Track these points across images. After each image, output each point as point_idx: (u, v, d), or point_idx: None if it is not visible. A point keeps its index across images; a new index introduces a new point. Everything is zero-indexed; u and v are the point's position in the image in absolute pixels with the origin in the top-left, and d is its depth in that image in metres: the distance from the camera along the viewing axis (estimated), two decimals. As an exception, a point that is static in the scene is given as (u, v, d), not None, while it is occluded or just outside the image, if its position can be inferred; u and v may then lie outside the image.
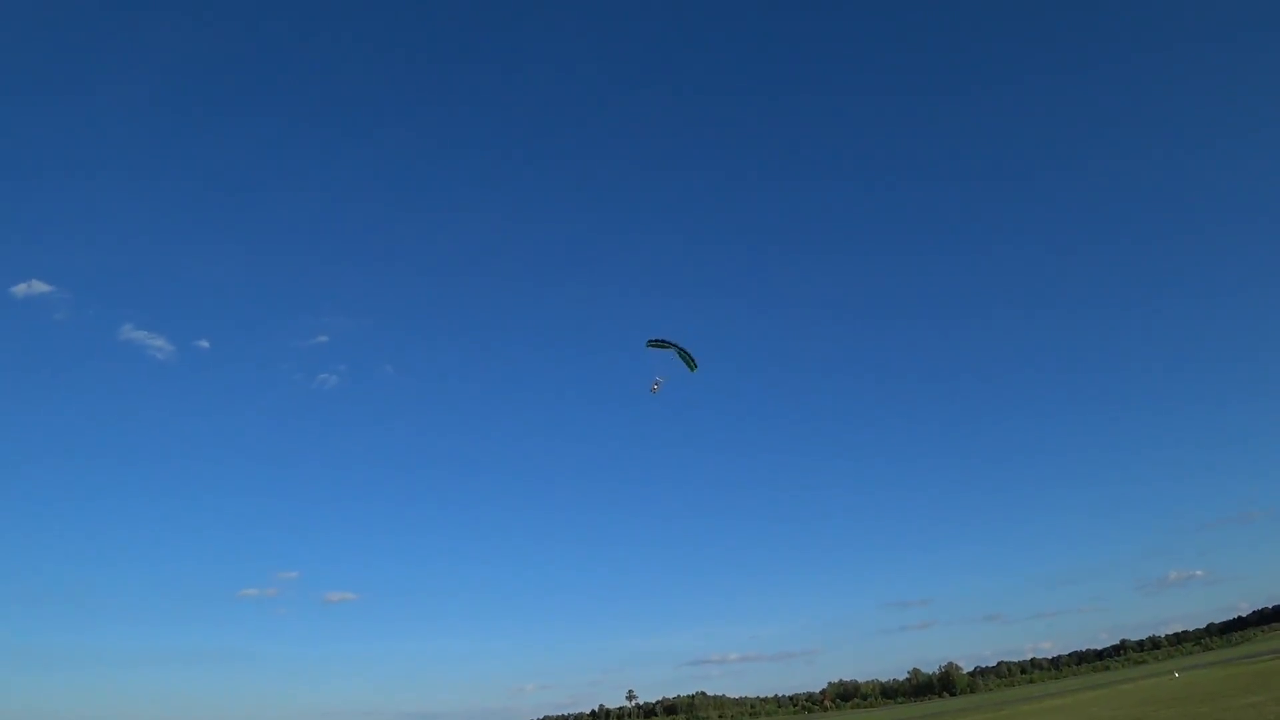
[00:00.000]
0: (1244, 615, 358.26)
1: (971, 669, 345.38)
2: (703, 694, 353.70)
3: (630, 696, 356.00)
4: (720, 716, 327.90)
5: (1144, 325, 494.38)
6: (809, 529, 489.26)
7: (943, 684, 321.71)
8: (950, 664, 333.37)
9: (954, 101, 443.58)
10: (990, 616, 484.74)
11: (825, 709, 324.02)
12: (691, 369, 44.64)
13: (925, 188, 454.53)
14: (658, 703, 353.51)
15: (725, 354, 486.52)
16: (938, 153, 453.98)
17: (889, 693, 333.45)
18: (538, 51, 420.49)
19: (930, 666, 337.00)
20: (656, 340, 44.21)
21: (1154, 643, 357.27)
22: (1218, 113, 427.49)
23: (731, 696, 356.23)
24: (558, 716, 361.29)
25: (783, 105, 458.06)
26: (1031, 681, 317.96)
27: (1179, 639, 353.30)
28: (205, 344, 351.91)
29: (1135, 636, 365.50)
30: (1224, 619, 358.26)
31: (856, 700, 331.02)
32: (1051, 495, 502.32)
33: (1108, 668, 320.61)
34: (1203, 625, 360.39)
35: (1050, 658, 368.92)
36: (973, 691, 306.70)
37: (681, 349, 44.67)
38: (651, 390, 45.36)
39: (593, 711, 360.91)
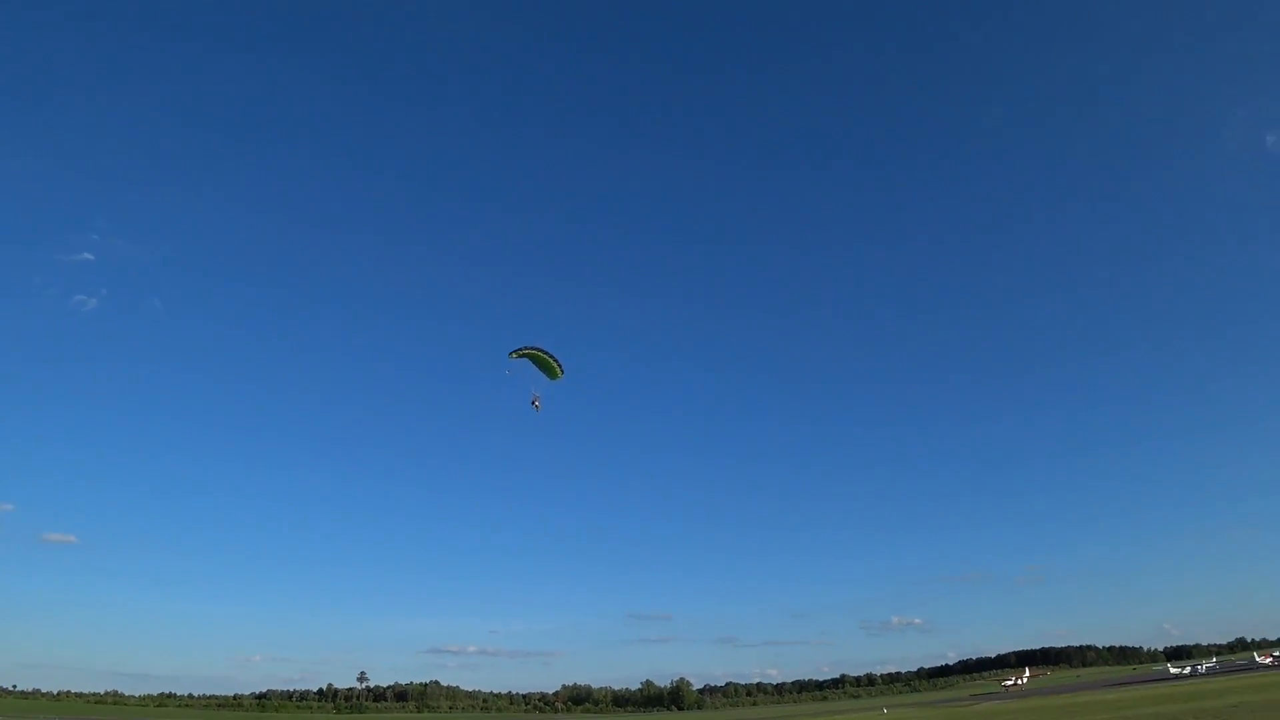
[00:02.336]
0: (950, 664, 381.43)
1: (701, 686, 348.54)
2: (436, 683, 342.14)
3: (362, 678, 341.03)
4: (451, 707, 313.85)
5: (894, 396, 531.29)
6: (560, 533, 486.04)
7: (672, 698, 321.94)
8: (682, 679, 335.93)
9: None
10: (725, 639, 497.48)
11: (557, 710, 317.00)
12: (553, 376, 39.75)
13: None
14: (389, 687, 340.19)
15: (495, 352, 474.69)
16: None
17: (620, 701, 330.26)
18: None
19: (663, 680, 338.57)
20: (518, 351, 39.12)
21: (870, 680, 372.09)
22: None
23: (465, 689, 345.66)
24: (283, 691, 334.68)
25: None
26: (755, 704, 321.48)
27: (892, 679, 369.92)
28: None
29: (855, 672, 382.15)
30: (933, 665, 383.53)
31: (588, 705, 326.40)
32: (793, 533, 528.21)
33: (826, 698, 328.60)
34: (914, 668, 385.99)
35: (776, 684, 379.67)
36: (699, 708, 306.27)
37: (539, 353, 39.29)
38: (534, 407, 41.20)
39: (320, 690, 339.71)
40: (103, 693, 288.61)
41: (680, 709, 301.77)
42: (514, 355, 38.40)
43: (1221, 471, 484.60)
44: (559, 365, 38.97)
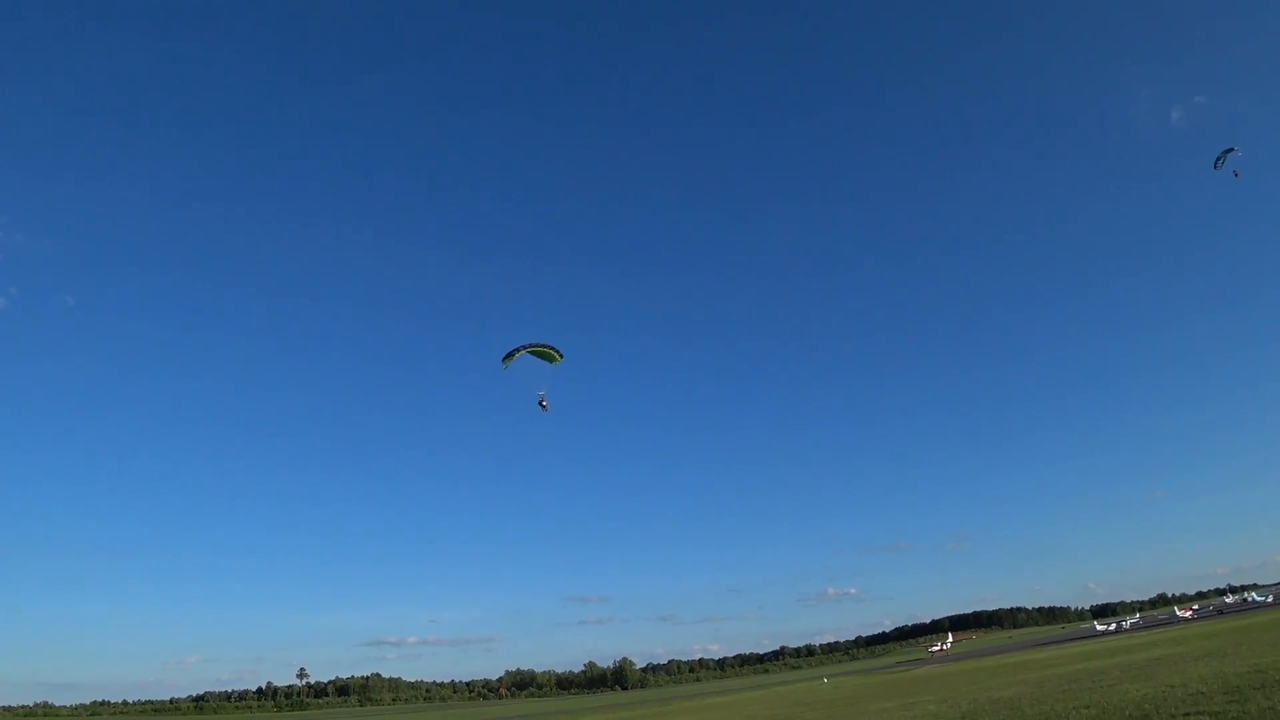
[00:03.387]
0: (887, 631, 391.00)
1: (644, 665, 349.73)
2: (378, 676, 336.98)
3: (301, 675, 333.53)
4: (394, 699, 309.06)
5: (841, 361, 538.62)
6: (494, 517, 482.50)
7: (616, 678, 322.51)
8: (624, 659, 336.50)
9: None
10: (664, 617, 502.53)
11: (501, 697, 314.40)
12: (554, 361, 37.33)
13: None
14: (330, 683, 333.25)
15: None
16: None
17: (564, 684, 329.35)
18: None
19: (605, 660, 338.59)
20: (509, 355, 36.77)
21: (809, 650, 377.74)
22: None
23: (408, 680, 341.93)
24: (220, 693, 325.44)
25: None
26: (699, 680, 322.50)
27: (831, 648, 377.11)
28: None
29: (794, 644, 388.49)
30: (870, 633, 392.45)
31: (532, 689, 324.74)
32: (727, 511, 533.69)
33: (767, 670, 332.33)
34: (852, 637, 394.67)
35: (717, 659, 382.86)
36: (643, 686, 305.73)
37: (534, 346, 36.95)
38: (541, 408, 38.76)
39: (260, 689, 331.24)
40: (32, 704, 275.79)
41: (624, 688, 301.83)
42: (507, 361, 36.31)
43: (1139, 437, 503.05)
44: (556, 350, 36.74)
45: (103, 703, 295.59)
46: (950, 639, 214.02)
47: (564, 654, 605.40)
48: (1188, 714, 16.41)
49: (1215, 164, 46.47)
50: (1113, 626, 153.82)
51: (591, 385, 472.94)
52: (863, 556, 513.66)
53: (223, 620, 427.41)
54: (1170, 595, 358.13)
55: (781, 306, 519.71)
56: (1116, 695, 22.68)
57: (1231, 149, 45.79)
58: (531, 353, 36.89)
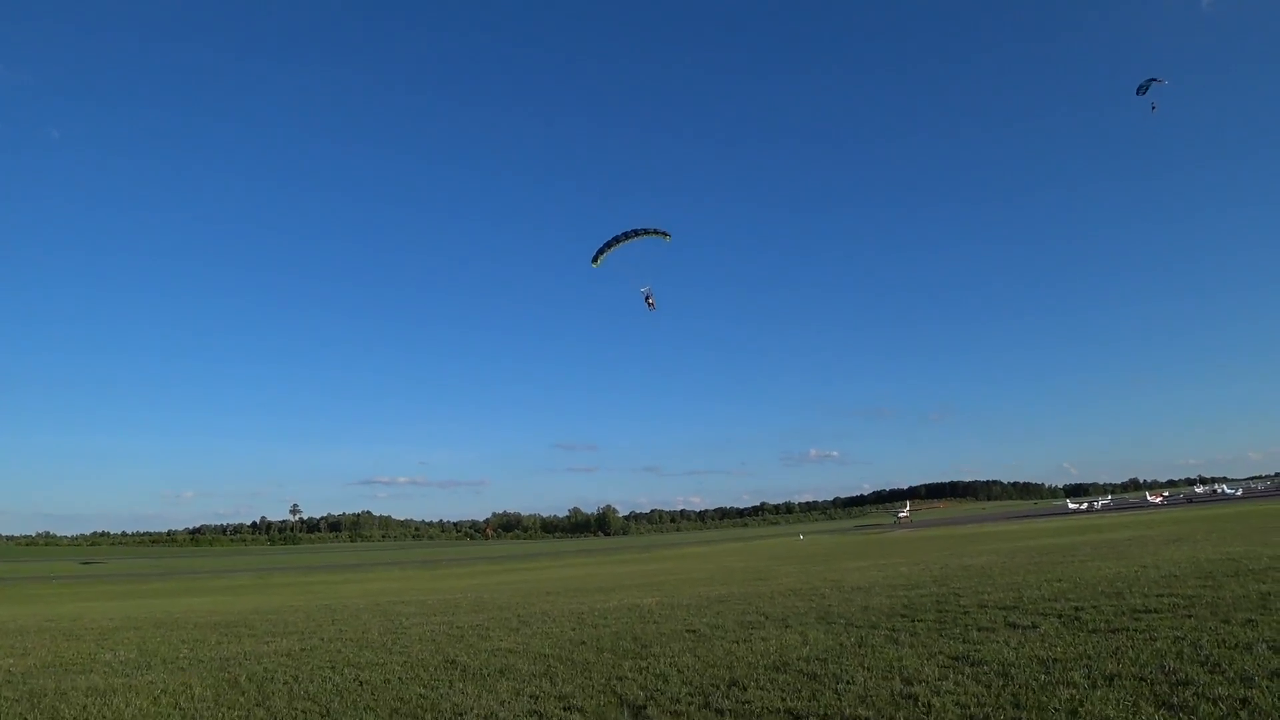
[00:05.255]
0: (864, 494, 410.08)
1: (627, 513, 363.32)
2: (369, 513, 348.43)
3: (294, 510, 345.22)
4: (384, 536, 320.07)
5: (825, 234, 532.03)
6: (486, 361, 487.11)
7: (599, 524, 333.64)
8: (608, 506, 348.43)
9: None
10: (650, 468, 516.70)
11: (487, 537, 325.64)
12: (665, 237, 32.83)
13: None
14: (322, 519, 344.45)
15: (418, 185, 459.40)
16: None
17: (549, 527, 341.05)
18: None
19: (590, 507, 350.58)
20: (603, 248, 32.65)
21: (789, 508, 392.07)
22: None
23: (397, 518, 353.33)
24: (217, 526, 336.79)
25: None
26: (679, 530, 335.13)
27: (809, 507, 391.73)
28: None
29: (774, 501, 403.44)
30: (848, 495, 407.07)
31: (517, 532, 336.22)
32: (717, 366, 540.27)
33: (746, 525, 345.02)
34: (830, 498, 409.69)
35: (699, 511, 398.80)
36: (625, 534, 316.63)
37: (641, 231, 32.57)
38: (648, 305, 34.74)
39: (254, 524, 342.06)
40: (34, 535, 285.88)
41: (607, 534, 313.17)
42: (597, 261, 32.60)
43: (1122, 324, 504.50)
44: (656, 230, 32.44)
45: (102, 534, 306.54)
46: (908, 507, 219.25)
47: (550, 499, 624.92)
48: (1160, 594, 16.27)
49: (1138, 91, 45.64)
50: (1084, 506, 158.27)
51: (591, 235, 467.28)
52: (846, 421, 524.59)
53: (220, 457, 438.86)
54: (1142, 481, 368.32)
55: (785, 170, 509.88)
56: (1089, 571, 22.77)
57: (1155, 79, 44.98)
58: (638, 237, 32.58)
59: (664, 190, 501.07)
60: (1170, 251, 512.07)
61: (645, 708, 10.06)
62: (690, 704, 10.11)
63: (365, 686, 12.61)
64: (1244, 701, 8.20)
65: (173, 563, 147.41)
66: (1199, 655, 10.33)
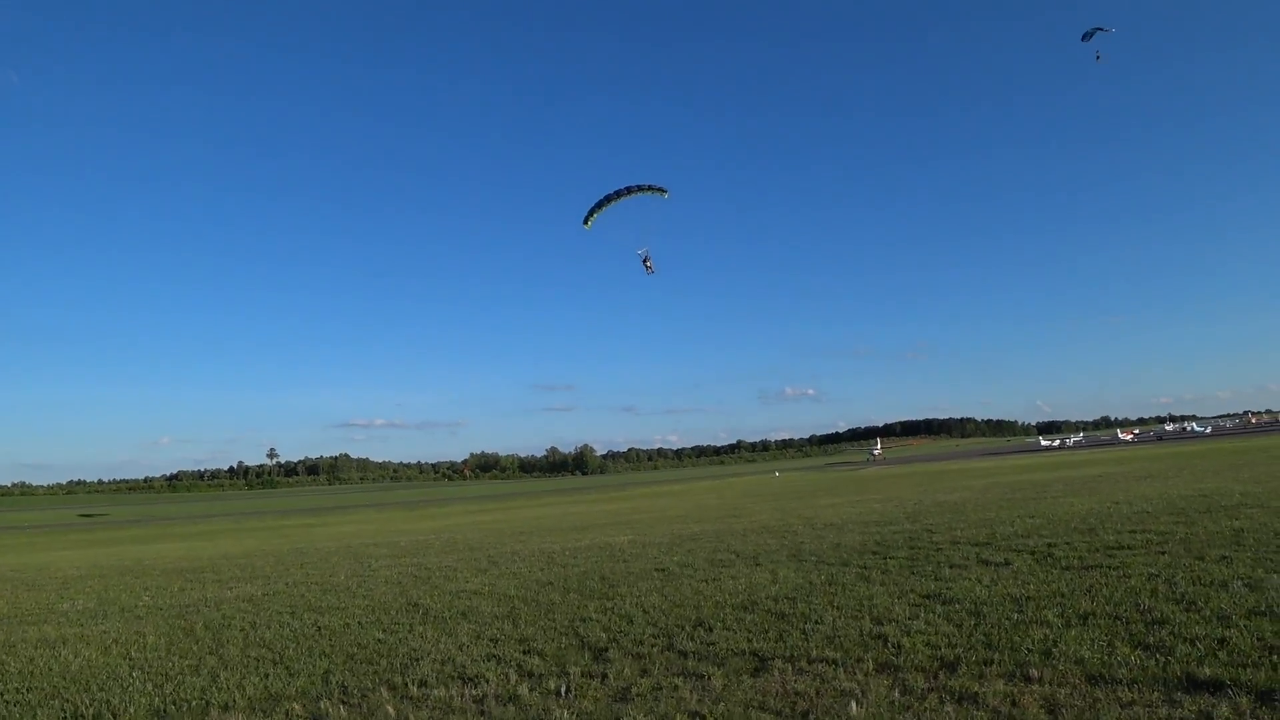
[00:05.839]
0: (840, 431, 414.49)
1: (605, 452, 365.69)
2: (346, 456, 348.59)
3: (271, 455, 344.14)
4: (362, 479, 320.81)
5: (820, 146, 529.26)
6: (463, 302, 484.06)
7: (577, 463, 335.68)
8: (586, 446, 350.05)
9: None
10: (627, 408, 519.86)
11: (465, 478, 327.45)
12: (664, 194, 30.13)
13: None
14: (300, 462, 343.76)
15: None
16: None
17: (526, 467, 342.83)
18: None
19: (568, 447, 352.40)
20: (595, 208, 30.08)
21: (765, 446, 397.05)
22: None
23: (375, 460, 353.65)
24: (194, 472, 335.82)
25: None
26: (656, 468, 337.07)
27: (786, 445, 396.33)
28: None
29: (750, 439, 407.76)
30: (824, 432, 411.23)
31: (495, 472, 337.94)
32: (693, 305, 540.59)
33: (723, 463, 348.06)
34: (806, 436, 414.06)
35: (676, 449, 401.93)
36: (603, 472, 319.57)
37: (636, 189, 29.87)
38: (646, 269, 32.22)
39: (231, 468, 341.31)
40: (9, 485, 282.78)
41: (584, 474, 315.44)
42: (588, 222, 30.16)
43: (1096, 265, 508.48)
44: (652, 187, 29.79)
45: (79, 482, 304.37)
46: (879, 445, 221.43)
47: (528, 439, 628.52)
48: (1133, 530, 16.19)
49: (1083, 38, 45.48)
50: (1056, 443, 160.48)
51: (569, 174, 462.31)
52: (823, 360, 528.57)
53: (196, 403, 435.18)
54: (1113, 419, 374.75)
55: (762, 104, 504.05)
56: (1061, 508, 22.78)
57: (1100, 28, 44.84)
58: (633, 195, 29.78)
59: (638, 124, 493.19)
60: (1145, 194, 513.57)
61: (607, 650, 9.73)
62: (654, 646, 9.79)
63: (323, 632, 12.27)
64: (1222, 641, 7.93)
65: (148, 509, 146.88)
66: (1174, 593, 10.12)
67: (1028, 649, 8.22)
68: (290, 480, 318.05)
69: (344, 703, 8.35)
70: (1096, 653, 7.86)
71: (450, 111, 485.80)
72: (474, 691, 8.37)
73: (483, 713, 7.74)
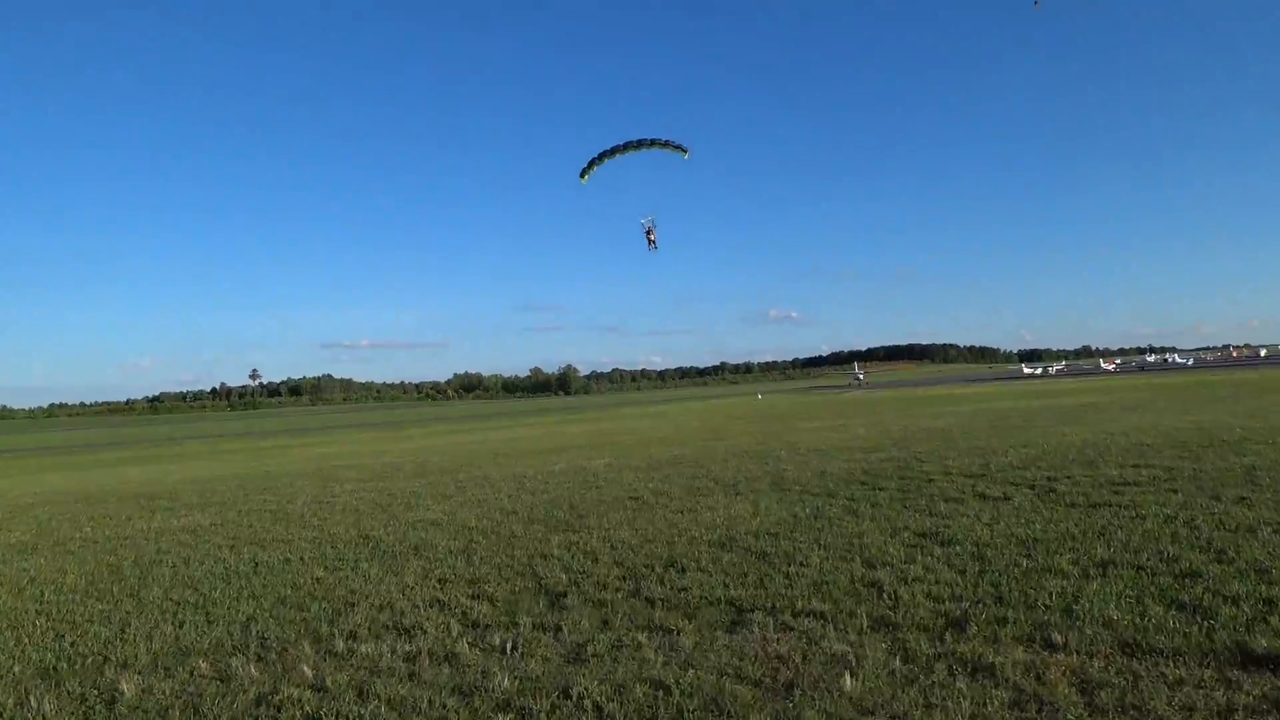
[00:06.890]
0: (823, 355, 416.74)
1: (589, 373, 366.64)
2: (329, 376, 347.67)
3: (254, 376, 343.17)
4: (345, 399, 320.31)
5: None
6: (448, 221, 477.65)
7: (560, 384, 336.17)
8: (569, 366, 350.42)
9: None
10: (612, 328, 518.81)
11: (449, 398, 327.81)
12: (685, 154, 25.54)
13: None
14: (283, 383, 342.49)
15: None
16: None
17: (510, 387, 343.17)
18: None
19: (552, 367, 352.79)
20: (598, 159, 25.50)
21: (748, 368, 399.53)
22: None
23: (359, 381, 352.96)
24: (176, 394, 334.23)
25: None
26: (639, 389, 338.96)
27: (769, 367, 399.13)
28: None
29: (733, 361, 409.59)
30: (807, 355, 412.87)
31: (479, 392, 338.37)
32: (679, 222, 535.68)
33: (706, 384, 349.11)
34: (789, 359, 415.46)
35: (659, 370, 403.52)
36: (587, 393, 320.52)
37: (650, 143, 25.41)
38: (649, 243, 27.54)
39: (214, 390, 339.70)
40: None
41: (568, 394, 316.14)
42: (585, 176, 25.71)
43: (1082, 196, 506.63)
44: (671, 143, 25.18)
45: (60, 405, 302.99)
46: (858, 369, 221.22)
47: (512, 360, 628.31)
48: (1136, 465, 15.28)
49: None
50: (1039, 371, 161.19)
51: (561, 92, 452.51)
52: (807, 282, 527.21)
53: (178, 324, 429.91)
54: (1095, 348, 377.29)
55: (752, 14, 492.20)
56: (1055, 438, 21.89)
57: None
58: (658, 147, 25.31)
59: (641, 48, 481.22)
60: (1129, 126, 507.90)
61: (565, 595, 8.65)
62: (618, 591, 8.71)
63: (259, 569, 11.16)
64: (1269, 603, 6.84)
65: (127, 431, 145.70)
66: (1198, 539, 9.10)
67: (1045, 605, 7.14)
68: (273, 401, 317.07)
69: (259, 658, 7.26)
70: (1126, 613, 6.76)
71: (444, 23, 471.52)
72: (407, 647, 7.27)
73: (411, 674, 6.63)
